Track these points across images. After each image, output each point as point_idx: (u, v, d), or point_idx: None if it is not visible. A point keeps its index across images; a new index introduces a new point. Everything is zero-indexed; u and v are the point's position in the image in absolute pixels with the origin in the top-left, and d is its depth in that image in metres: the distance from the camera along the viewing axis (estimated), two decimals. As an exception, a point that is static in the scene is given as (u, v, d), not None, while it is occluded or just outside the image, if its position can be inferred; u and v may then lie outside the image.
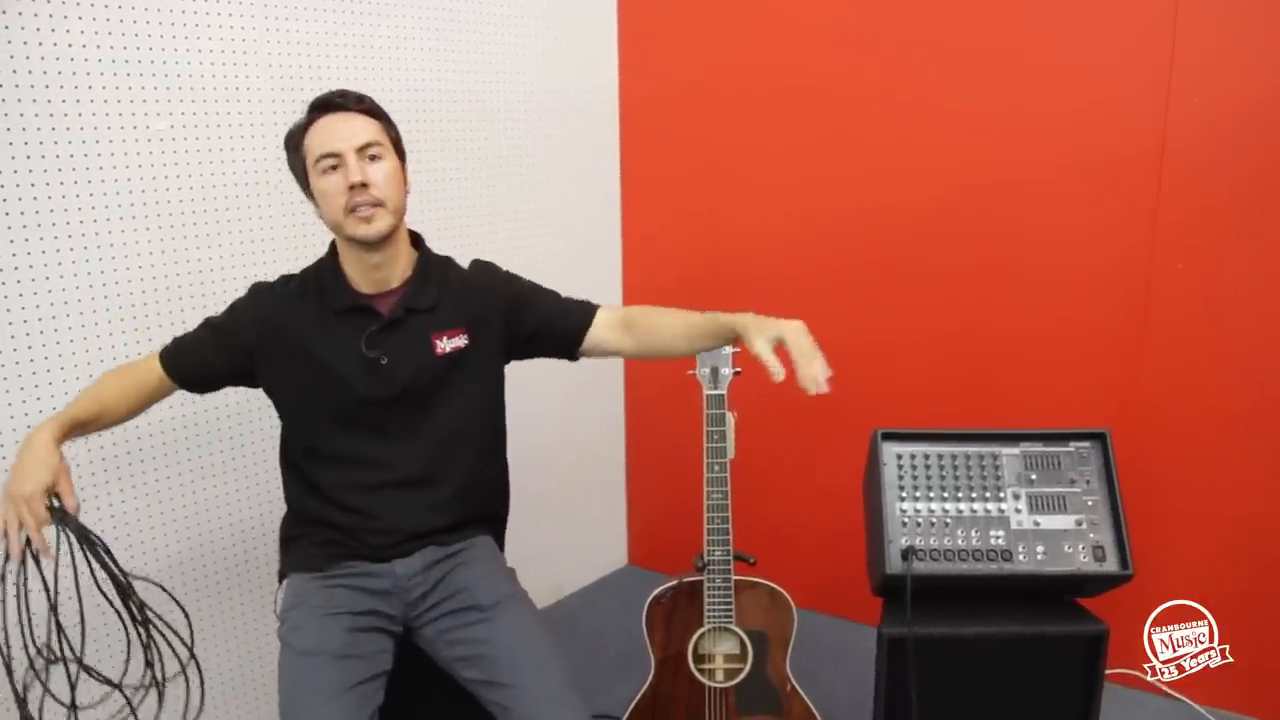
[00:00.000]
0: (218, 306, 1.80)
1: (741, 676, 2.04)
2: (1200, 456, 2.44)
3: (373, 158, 1.66)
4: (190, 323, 1.81)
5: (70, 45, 1.86)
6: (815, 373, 1.48)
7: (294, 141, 1.71)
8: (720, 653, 2.05)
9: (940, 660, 1.82)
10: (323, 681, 1.58)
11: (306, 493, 1.80)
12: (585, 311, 1.85)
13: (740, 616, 2.03)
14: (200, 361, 1.78)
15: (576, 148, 3.03)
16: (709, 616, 2.02)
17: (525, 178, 2.86)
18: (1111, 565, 1.80)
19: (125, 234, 1.98)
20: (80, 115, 1.89)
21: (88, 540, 1.47)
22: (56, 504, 1.45)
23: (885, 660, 1.84)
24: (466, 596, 1.76)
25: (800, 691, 2.05)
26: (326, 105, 1.68)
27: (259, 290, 1.80)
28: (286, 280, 1.81)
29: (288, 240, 2.24)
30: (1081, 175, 2.46)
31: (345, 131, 1.65)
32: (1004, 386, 2.64)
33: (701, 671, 2.04)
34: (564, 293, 1.88)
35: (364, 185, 1.63)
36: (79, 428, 1.61)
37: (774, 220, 2.93)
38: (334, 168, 1.64)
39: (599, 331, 1.83)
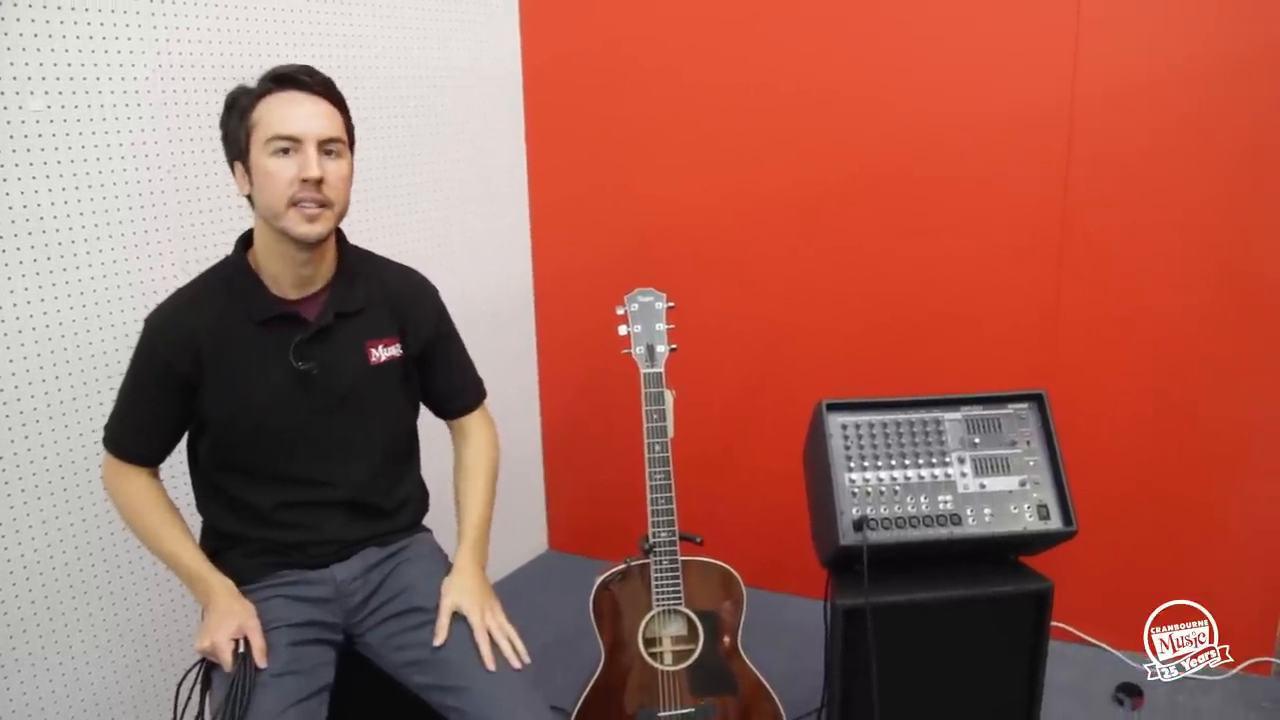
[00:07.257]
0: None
1: (693, 658, 1.99)
2: (1111, 415, 2.53)
3: (332, 153, 1.54)
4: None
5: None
6: (486, 653, 1.60)
7: (240, 105, 1.54)
8: (670, 635, 2.01)
9: (890, 626, 1.82)
10: (261, 703, 1.47)
11: (231, 510, 1.67)
12: (471, 395, 1.88)
13: (689, 597, 1.99)
14: (157, 425, 1.64)
15: (479, 123, 2.91)
16: (657, 599, 1.98)
17: (426, 157, 2.72)
18: (1056, 523, 1.82)
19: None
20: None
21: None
22: (243, 650, 1.54)
23: (840, 632, 1.83)
24: (410, 597, 1.68)
25: (753, 669, 2.02)
26: (289, 80, 1.52)
27: (161, 318, 1.61)
28: (181, 296, 1.63)
29: (184, 239, 2.07)
30: (994, 143, 2.50)
31: (309, 116, 1.52)
32: (930, 355, 2.66)
33: (653, 655, 1.99)
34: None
35: (319, 181, 1.51)
36: (212, 556, 1.66)
37: (687, 195, 2.88)
38: (286, 151, 1.50)
39: (463, 422, 1.87)
